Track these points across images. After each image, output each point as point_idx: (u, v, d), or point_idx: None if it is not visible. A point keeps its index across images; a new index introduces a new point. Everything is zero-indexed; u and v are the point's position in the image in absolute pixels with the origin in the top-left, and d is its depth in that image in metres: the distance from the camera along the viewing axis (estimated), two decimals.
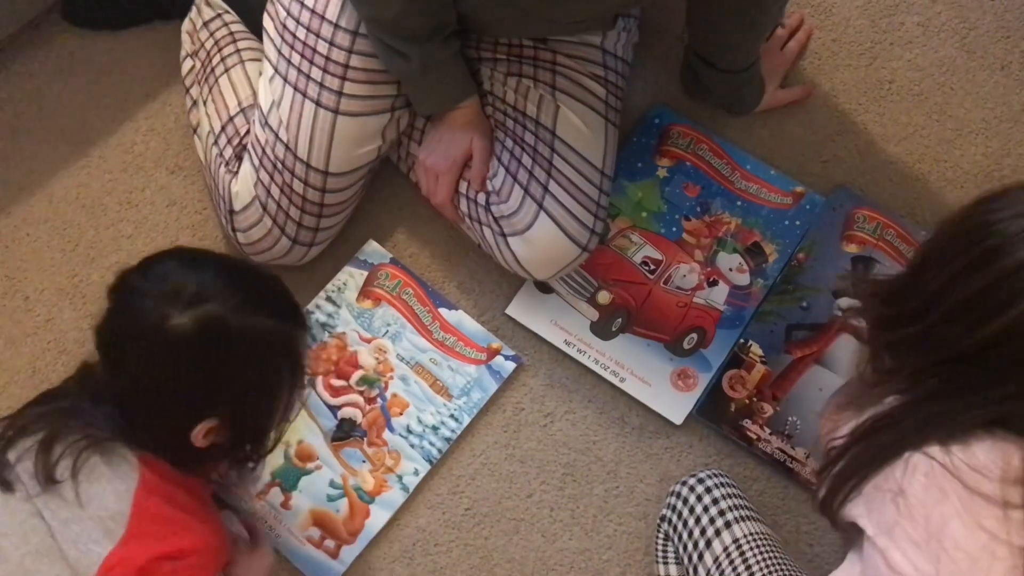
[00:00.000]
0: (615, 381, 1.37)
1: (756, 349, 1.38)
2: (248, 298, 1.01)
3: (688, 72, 1.48)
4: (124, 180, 1.48)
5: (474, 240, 1.39)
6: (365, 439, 1.33)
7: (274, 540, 1.27)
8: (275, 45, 1.31)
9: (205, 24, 1.45)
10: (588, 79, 1.36)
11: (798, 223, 1.45)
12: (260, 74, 1.35)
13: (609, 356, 1.37)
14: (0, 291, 1.42)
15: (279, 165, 1.30)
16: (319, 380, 1.36)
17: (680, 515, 1.20)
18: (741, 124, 1.52)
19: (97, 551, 0.97)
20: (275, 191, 1.31)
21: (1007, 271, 0.88)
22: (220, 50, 1.42)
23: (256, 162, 1.32)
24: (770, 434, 1.33)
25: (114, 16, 1.55)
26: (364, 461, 1.32)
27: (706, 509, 1.17)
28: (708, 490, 1.19)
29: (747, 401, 1.35)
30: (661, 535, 1.23)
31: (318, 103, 1.28)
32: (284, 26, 1.30)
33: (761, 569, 1.09)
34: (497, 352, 1.38)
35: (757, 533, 1.14)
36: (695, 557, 1.15)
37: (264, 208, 1.32)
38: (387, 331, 1.39)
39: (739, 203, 1.46)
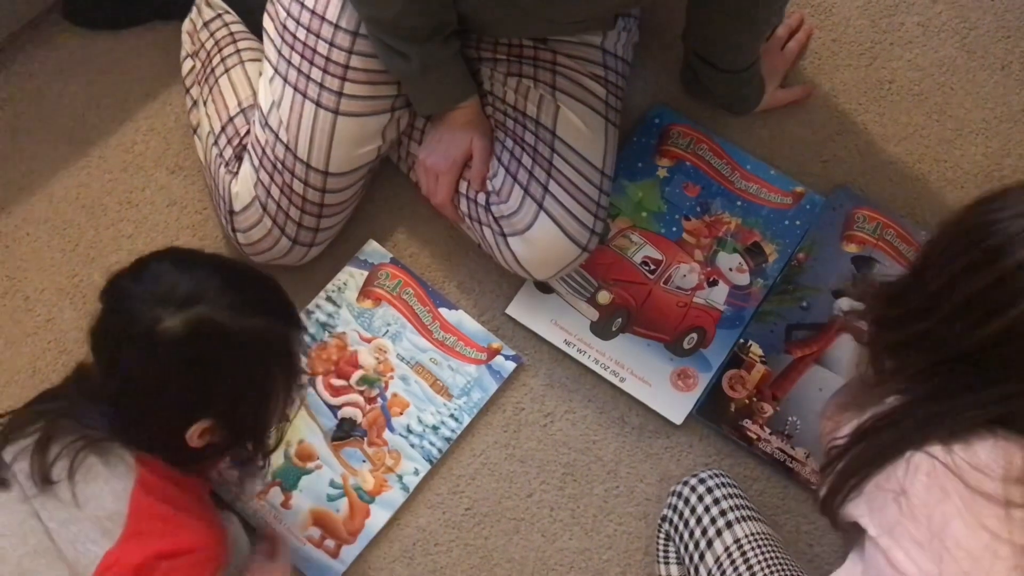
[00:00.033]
0: (615, 381, 1.37)
1: (756, 349, 1.38)
2: (241, 299, 1.01)
3: (688, 72, 1.49)
4: (124, 180, 1.48)
5: (474, 240, 1.39)
6: (365, 439, 1.33)
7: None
8: (275, 45, 1.31)
9: (205, 24, 1.45)
10: (588, 79, 1.36)
11: (798, 223, 1.45)
12: (260, 74, 1.35)
13: (609, 356, 1.38)
14: (0, 291, 1.42)
15: (279, 165, 1.30)
16: (319, 380, 1.36)
17: (681, 515, 1.20)
18: (741, 124, 1.52)
19: (95, 551, 0.97)
20: (275, 191, 1.31)
21: (1007, 271, 0.88)
22: (220, 50, 1.42)
23: (256, 162, 1.32)
24: (770, 434, 1.33)
25: (114, 16, 1.55)
26: (364, 461, 1.32)
27: (707, 509, 1.17)
28: (709, 490, 1.19)
29: (747, 401, 1.35)
30: (662, 535, 1.23)
31: (318, 103, 1.28)
32: (284, 26, 1.30)
33: (763, 569, 1.09)
34: (497, 352, 1.38)
35: (758, 533, 1.14)
36: (696, 557, 1.15)
37: (264, 208, 1.32)
38: (387, 331, 1.39)
39: (739, 203, 1.46)
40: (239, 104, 1.38)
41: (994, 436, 0.90)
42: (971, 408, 0.91)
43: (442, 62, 1.26)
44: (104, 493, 0.99)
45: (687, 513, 1.19)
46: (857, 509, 0.96)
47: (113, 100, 1.52)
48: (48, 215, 1.46)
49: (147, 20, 1.56)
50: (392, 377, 1.36)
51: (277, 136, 1.30)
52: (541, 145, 1.31)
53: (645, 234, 1.44)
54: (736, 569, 1.10)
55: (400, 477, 1.32)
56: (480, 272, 1.43)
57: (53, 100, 1.52)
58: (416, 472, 1.32)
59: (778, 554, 1.12)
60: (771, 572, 1.09)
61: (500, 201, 1.31)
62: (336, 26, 1.27)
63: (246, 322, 1.00)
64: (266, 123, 1.31)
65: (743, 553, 1.11)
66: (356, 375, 1.36)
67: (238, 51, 1.42)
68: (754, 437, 1.33)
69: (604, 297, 1.41)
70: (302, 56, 1.28)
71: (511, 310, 1.40)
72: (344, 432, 1.34)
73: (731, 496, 1.18)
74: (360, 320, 1.39)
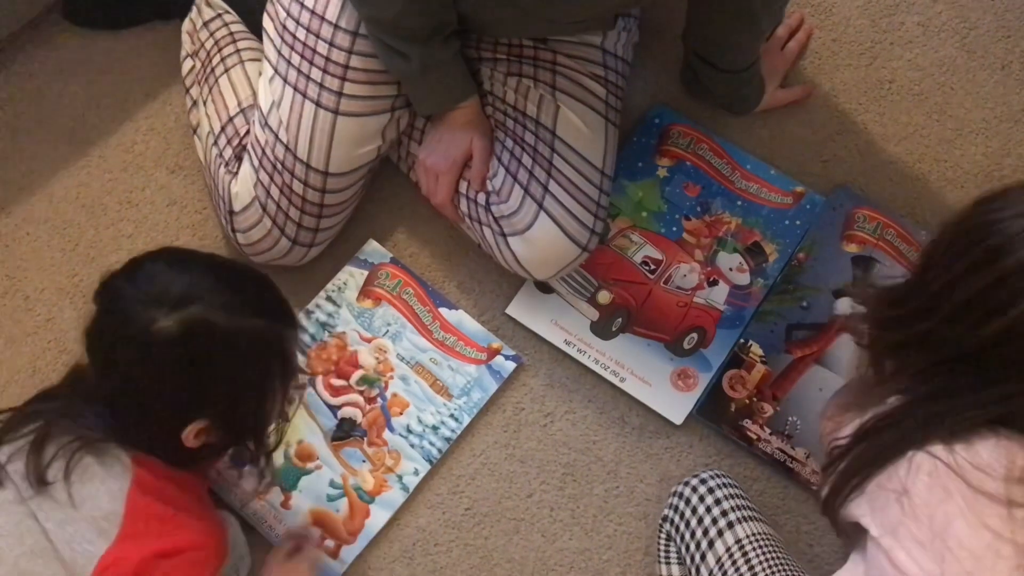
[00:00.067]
0: (615, 381, 1.36)
1: (756, 349, 1.38)
2: (235, 298, 1.01)
3: (688, 72, 1.48)
4: (124, 180, 1.48)
5: (474, 240, 1.39)
6: (365, 439, 1.33)
7: (276, 540, 1.27)
8: (275, 46, 1.31)
9: (205, 24, 1.45)
10: (588, 79, 1.36)
11: (798, 223, 1.45)
12: (260, 74, 1.35)
13: (609, 356, 1.37)
14: (0, 290, 1.42)
15: (279, 166, 1.30)
16: (319, 380, 1.36)
17: (682, 515, 1.20)
18: (741, 124, 1.52)
19: (91, 551, 0.97)
20: (275, 192, 1.31)
21: (1008, 271, 0.88)
22: (220, 50, 1.42)
23: (256, 163, 1.32)
24: (770, 434, 1.33)
25: (114, 16, 1.55)
26: (364, 461, 1.32)
27: (708, 509, 1.17)
28: (711, 490, 1.19)
29: (747, 401, 1.35)
30: (663, 535, 1.23)
31: (318, 104, 1.28)
32: (284, 27, 1.30)
33: (764, 569, 1.09)
34: (497, 352, 1.38)
35: (760, 533, 1.14)
36: (697, 557, 1.15)
37: (264, 209, 1.32)
38: (387, 331, 1.39)
39: (739, 203, 1.46)
40: (239, 104, 1.38)
41: (996, 436, 0.90)
42: (971, 408, 0.91)
43: (442, 62, 1.26)
44: (100, 493, 0.99)
45: (688, 513, 1.19)
46: (859, 509, 0.96)
47: (113, 100, 1.52)
48: (48, 215, 1.46)
49: (147, 20, 1.56)
50: (392, 377, 1.36)
51: (277, 136, 1.30)
52: (541, 145, 1.31)
53: (645, 234, 1.44)
54: (738, 569, 1.10)
55: (400, 477, 1.32)
56: (480, 272, 1.43)
57: (53, 100, 1.52)
58: (416, 472, 1.32)
59: (779, 554, 1.12)
60: (772, 572, 1.09)
61: (500, 201, 1.31)
62: (336, 26, 1.27)
63: (241, 322, 1.00)
64: (266, 123, 1.31)
65: (744, 553, 1.11)
66: (356, 375, 1.36)
67: (238, 51, 1.42)
68: (754, 437, 1.33)
69: (604, 297, 1.40)
70: (302, 56, 1.28)
71: (511, 310, 1.40)
72: (344, 432, 1.34)
73: (732, 496, 1.18)
74: (360, 320, 1.39)
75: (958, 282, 0.91)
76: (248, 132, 1.36)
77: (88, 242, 1.44)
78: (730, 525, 1.15)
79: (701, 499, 1.19)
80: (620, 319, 1.39)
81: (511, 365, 1.37)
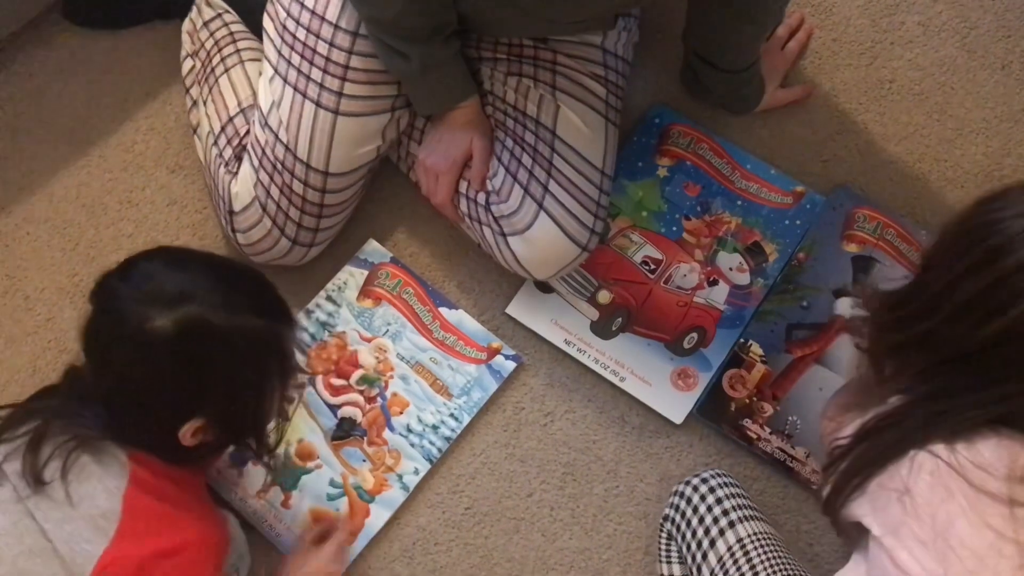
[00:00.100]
0: (615, 380, 1.36)
1: (756, 348, 1.38)
2: (232, 297, 1.01)
3: (688, 72, 1.48)
4: (124, 179, 1.48)
5: (474, 240, 1.39)
6: (365, 438, 1.33)
7: (276, 540, 1.27)
8: (275, 46, 1.31)
9: (205, 24, 1.45)
10: (588, 79, 1.36)
11: (798, 222, 1.45)
12: (260, 74, 1.35)
13: (609, 355, 1.37)
14: (0, 290, 1.42)
15: (279, 166, 1.30)
16: (319, 379, 1.36)
17: (684, 514, 1.20)
18: (741, 124, 1.52)
19: (90, 550, 0.97)
20: (275, 192, 1.31)
21: (1008, 271, 0.88)
22: (220, 50, 1.42)
23: (256, 163, 1.32)
24: (770, 433, 1.33)
25: (114, 16, 1.55)
26: (364, 460, 1.32)
27: (710, 509, 1.17)
28: (712, 490, 1.19)
29: (747, 400, 1.35)
30: (664, 534, 1.23)
31: (318, 104, 1.28)
32: (284, 27, 1.30)
33: (765, 569, 1.09)
34: (497, 351, 1.38)
35: (761, 533, 1.14)
36: (699, 556, 1.15)
37: (264, 209, 1.32)
38: (387, 330, 1.39)
39: (739, 202, 1.46)
40: (239, 104, 1.38)
41: (997, 435, 0.90)
42: (972, 408, 0.91)
43: (442, 62, 1.26)
44: (97, 492, 0.99)
45: (689, 512, 1.19)
46: (860, 509, 0.96)
47: (113, 100, 1.52)
48: (48, 215, 1.46)
49: (147, 20, 1.56)
50: (392, 376, 1.36)
51: (277, 136, 1.30)
52: (541, 145, 1.31)
53: (645, 233, 1.44)
54: (739, 568, 1.10)
55: (400, 476, 1.32)
56: (480, 272, 1.43)
57: (53, 100, 1.52)
58: (416, 471, 1.32)
59: (781, 554, 1.12)
60: (774, 572, 1.09)
61: (500, 201, 1.31)
62: (336, 26, 1.27)
63: (237, 320, 1.00)
64: (266, 123, 1.31)
65: (745, 552, 1.11)
66: (356, 374, 1.36)
67: (238, 51, 1.42)
68: (754, 437, 1.33)
69: (604, 297, 1.40)
70: (302, 56, 1.28)
71: (511, 310, 1.40)
72: (344, 431, 1.34)
73: (733, 496, 1.18)
74: (360, 319, 1.39)
75: (959, 282, 0.91)
76: (248, 132, 1.36)
77: (88, 242, 1.44)
78: (731, 524, 1.15)
79: (702, 498, 1.19)
80: (620, 319, 1.39)
81: (511, 365, 1.37)
